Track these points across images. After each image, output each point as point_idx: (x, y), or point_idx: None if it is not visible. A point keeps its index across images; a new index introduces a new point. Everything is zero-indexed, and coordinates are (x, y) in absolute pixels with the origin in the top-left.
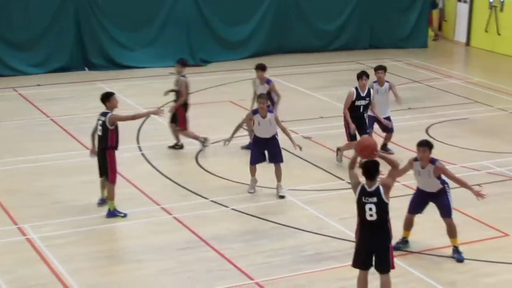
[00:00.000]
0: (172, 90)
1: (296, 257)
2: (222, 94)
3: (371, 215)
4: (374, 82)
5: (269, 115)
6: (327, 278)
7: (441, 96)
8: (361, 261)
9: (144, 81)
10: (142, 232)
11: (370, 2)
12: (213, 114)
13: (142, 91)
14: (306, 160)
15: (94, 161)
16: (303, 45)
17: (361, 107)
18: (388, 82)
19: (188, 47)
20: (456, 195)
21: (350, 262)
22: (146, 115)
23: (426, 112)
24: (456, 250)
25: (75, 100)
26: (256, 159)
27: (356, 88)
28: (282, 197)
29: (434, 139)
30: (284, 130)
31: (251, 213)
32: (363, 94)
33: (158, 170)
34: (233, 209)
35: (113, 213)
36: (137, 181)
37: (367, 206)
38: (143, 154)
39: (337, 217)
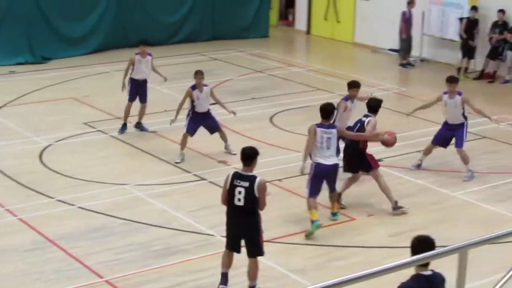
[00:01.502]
0: None
1: (146, 253)
2: (65, 91)
3: (239, 200)
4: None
5: (205, 88)
6: (178, 272)
7: (284, 85)
8: (231, 245)
9: None
10: None
11: None
12: (56, 111)
13: None
14: (151, 154)
15: None
16: (145, 38)
17: None
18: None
19: (27, 44)
20: (303, 180)
21: (201, 255)
22: None
23: (270, 101)
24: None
25: None
26: (190, 130)
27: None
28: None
29: (278, 127)
30: (218, 100)
31: (99, 210)
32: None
33: (0, 171)
34: (79, 207)
35: None
36: None
37: (237, 189)
38: None
39: (185, 210)
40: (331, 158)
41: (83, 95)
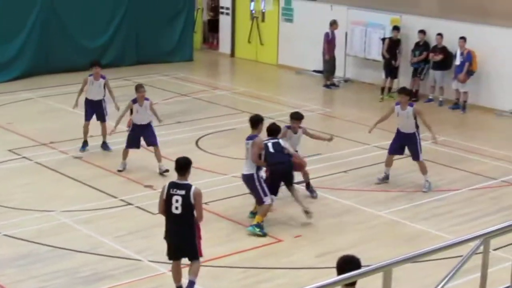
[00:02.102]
0: None
1: (72, 279)
2: None
3: (176, 208)
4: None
5: (145, 102)
6: None
7: (209, 108)
8: (173, 254)
9: None
10: None
11: (134, 18)
12: None
13: None
14: (77, 180)
15: None
16: (69, 64)
17: None
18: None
19: None
20: (230, 203)
21: (129, 280)
22: None
23: (195, 125)
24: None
25: None
26: (131, 144)
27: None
28: (166, 170)
29: (204, 150)
30: (155, 114)
31: (24, 237)
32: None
33: None
34: (5, 234)
35: None
36: None
37: (174, 198)
38: None
39: (112, 236)
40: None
41: (7, 122)
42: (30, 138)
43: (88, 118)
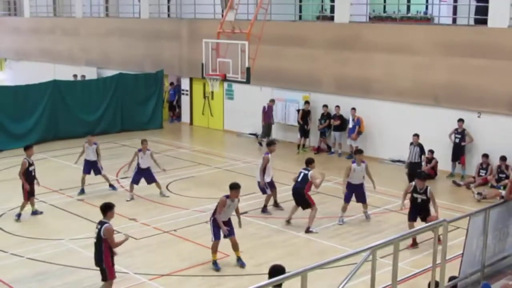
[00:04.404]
0: None
1: None
2: (13, 174)
3: (95, 238)
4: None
5: (147, 152)
6: None
7: (175, 162)
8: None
9: None
10: None
11: (119, 99)
12: (7, 188)
13: None
14: (79, 216)
15: None
16: (72, 132)
17: None
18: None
19: None
20: (192, 229)
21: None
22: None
23: (165, 174)
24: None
25: None
26: (135, 181)
27: None
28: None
29: (173, 192)
30: (155, 161)
31: (42, 259)
32: None
33: None
34: (28, 257)
35: None
36: None
37: (95, 231)
38: None
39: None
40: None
41: None
42: (45, 187)
43: (85, 171)
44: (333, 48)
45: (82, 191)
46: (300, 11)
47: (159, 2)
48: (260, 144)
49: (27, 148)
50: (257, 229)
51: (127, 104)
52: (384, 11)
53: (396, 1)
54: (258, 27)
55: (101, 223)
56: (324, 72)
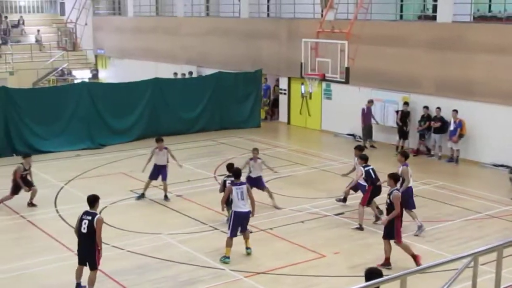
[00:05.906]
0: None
1: (175, 283)
2: (115, 168)
3: (84, 228)
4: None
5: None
6: None
7: (272, 160)
8: (80, 260)
9: (57, 162)
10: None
11: (219, 97)
12: (109, 183)
13: (56, 168)
14: (177, 211)
15: None
16: (171, 129)
17: None
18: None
19: (88, 135)
20: (288, 229)
21: (215, 283)
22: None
23: (263, 172)
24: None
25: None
26: (152, 177)
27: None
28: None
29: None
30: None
31: (141, 252)
32: None
33: None
34: (128, 250)
35: None
36: None
37: (83, 222)
38: None
39: (203, 251)
40: (246, 206)
41: (129, 170)
42: (144, 182)
43: (152, 177)
44: (434, 49)
45: (142, 195)
46: (401, 11)
47: (258, 1)
48: (365, 147)
49: (26, 156)
50: (353, 231)
51: (225, 103)
52: (490, 11)
53: (503, 0)
54: (358, 27)
55: (91, 214)
56: (424, 73)
